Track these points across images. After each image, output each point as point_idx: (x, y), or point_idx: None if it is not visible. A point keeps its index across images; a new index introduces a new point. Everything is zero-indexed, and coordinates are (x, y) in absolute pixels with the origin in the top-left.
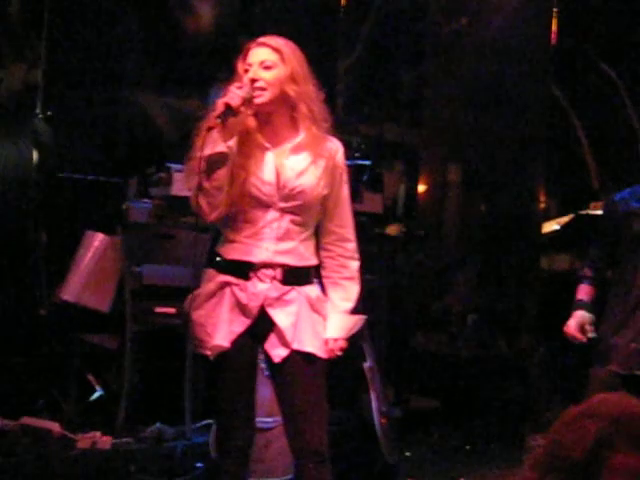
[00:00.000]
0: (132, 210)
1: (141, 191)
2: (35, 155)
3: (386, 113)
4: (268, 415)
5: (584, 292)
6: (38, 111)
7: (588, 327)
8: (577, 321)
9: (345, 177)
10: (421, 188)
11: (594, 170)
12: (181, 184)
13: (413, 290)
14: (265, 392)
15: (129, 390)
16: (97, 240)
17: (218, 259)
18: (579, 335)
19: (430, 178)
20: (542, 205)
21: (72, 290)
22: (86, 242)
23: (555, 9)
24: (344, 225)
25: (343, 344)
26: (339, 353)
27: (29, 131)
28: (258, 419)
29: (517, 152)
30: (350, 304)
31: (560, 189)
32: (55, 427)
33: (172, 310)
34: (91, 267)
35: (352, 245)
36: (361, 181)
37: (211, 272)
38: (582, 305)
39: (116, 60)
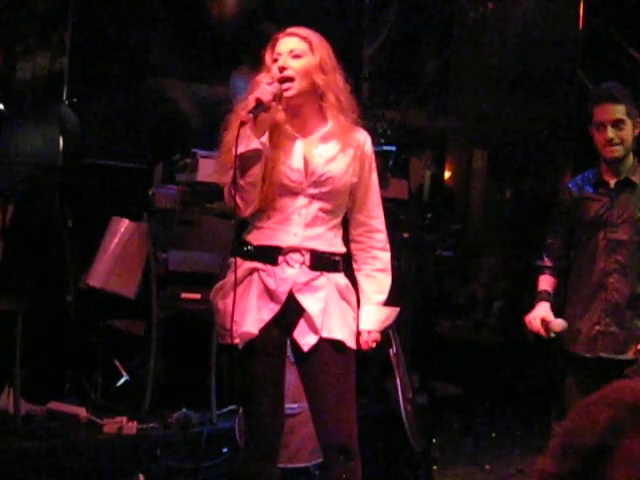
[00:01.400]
0: (158, 196)
1: (167, 177)
2: (61, 142)
3: (412, 99)
4: (293, 401)
5: (546, 283)
6: (64, 98)
7: (552, 324)
8: (540, 315)
9: (374, 167)
10: (447, 174)
11: None
12: (207, 170)
13: (439, 277)
14: (290, 378)
15: (155, 375)
16: (123, 226)
17: (245, 248)
18: (542, 331)
19: (456, 164)
20: None
21: (98, 276)
22: (112, 228)
23: None
24: (374, 216)
25: (377, 336)
26: (373, 345)
27: (55, 118)
28: None
29: (543, 138)
30: (383, 296)
31: None
32: (81, 412)
33: (197, 296)
34: (117, 253)
35: (382, 236)
36: (386, 167)
37: (238, 260)
38: (545, 297)
39: (142, 47)
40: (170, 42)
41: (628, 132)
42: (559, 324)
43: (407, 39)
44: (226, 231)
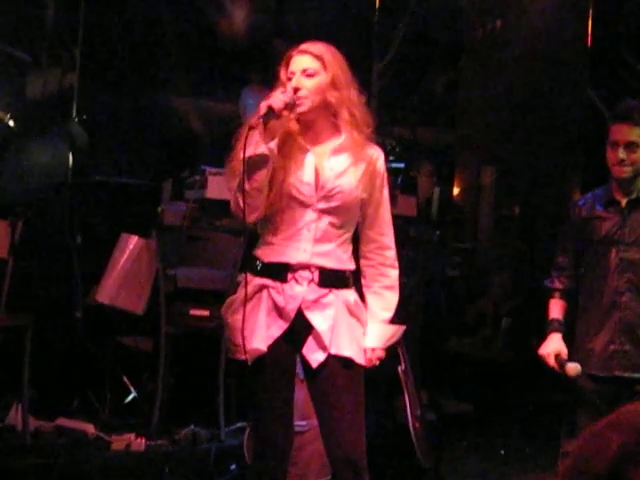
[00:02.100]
0: (167, 213)
1: (176, 194)
2: (70, 158)
3: (420, 116)
4: (302, 418)
5: (557, 310)
6: (74, 115)
7: (564, 361)
8: (554, 351)
9: (385, 184)
10: (456, 190)
11: None
12: (215, 187)
13: (447, 293)
14: (298, 395)
15: (163, 392)
16: (132, 243)
17: (256, 264)
18: (556, 366)
19: (464, 181)
20: None
21: (107, 292)
22: (121, 245)
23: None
24: (384, 233)
25: (381, 354)
26: (377, 363)
27: (65, 135)
28: None
29: (552, 154)
30: (389, 314)
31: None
32: (90, 428)
33: (206, 313)
34: (126, 270)
35: (392, 253)
36: (395, 184)
37: (247, 276)
38: (557, 327)
39: (151, 64)
40: (179, 59)
41: None
42: (574, 368)
43: (416, 55)
44: (235, 248)
